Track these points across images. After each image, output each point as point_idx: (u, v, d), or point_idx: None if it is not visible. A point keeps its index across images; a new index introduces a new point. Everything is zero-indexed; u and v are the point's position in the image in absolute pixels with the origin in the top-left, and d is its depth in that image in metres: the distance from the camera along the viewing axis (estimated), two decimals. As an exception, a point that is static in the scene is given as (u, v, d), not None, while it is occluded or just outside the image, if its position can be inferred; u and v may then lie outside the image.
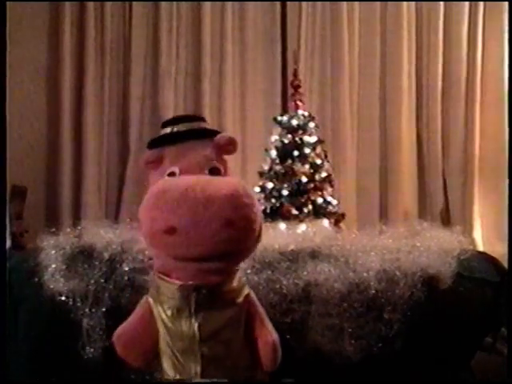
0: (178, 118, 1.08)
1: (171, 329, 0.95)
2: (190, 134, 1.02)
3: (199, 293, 0.92)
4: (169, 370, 0.98)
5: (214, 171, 0.97)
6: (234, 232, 0.86)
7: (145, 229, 0.89)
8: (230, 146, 1.02)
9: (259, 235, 0.93)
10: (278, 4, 3.87)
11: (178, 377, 0.96)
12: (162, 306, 0.96)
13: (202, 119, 1.08)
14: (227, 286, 0.96)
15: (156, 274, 0.97)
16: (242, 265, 1.03)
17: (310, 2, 3.85)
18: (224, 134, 1.03)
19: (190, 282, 0.92)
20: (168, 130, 1.03)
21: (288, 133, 3.15)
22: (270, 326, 1.02)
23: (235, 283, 0.98)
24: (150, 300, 0.98)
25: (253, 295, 1.02)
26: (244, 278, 1.10)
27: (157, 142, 1.03)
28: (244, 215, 0.87)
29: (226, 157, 1.04)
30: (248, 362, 1.00)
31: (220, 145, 1.01)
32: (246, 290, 1.01)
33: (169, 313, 0.95)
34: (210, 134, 1.03)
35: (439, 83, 3.81)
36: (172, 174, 0.96)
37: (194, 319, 0.93)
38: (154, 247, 0.91)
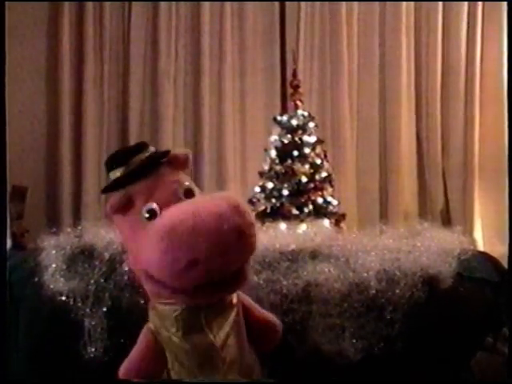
0: (125, 153, 0.99)
1: (185, 347, 0.94)
2: (151, 164, 0.96)
3: (207, 310, 0.94)
4: None
5: (189, 193, 0.95)
6: (245, 241, 0.87)
7: (163, 269, 0.86)
8: (189, 161, 1.01)
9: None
10: (276, 4, 3.87)
11: None
12: (168, 331, 0.95)
13: (146, 145, 1.00)
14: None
15: (154, 301, 0.98)
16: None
17: (308, 2, 3.84)
18: (179, 151, 1.00)
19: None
20: (119, 170, 0.96)
21: (288, 133, 3.15)
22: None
23: None
24: (152, 327, 0.97)
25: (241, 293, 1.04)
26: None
27: (117, 185, 0.96)
28: (250, 221, 0.88)
29: None
30: (252, 359, 1.01)
31: (181, 162, 0.99)
32: None
33: (179, 334, 0.94)
34: (163, 156, 0.98)
35: (438, 83, 3.81)
36: (152, 211, 0.91)
37: (208, 331, 0.94)
38: (174, 282, 0.88)
